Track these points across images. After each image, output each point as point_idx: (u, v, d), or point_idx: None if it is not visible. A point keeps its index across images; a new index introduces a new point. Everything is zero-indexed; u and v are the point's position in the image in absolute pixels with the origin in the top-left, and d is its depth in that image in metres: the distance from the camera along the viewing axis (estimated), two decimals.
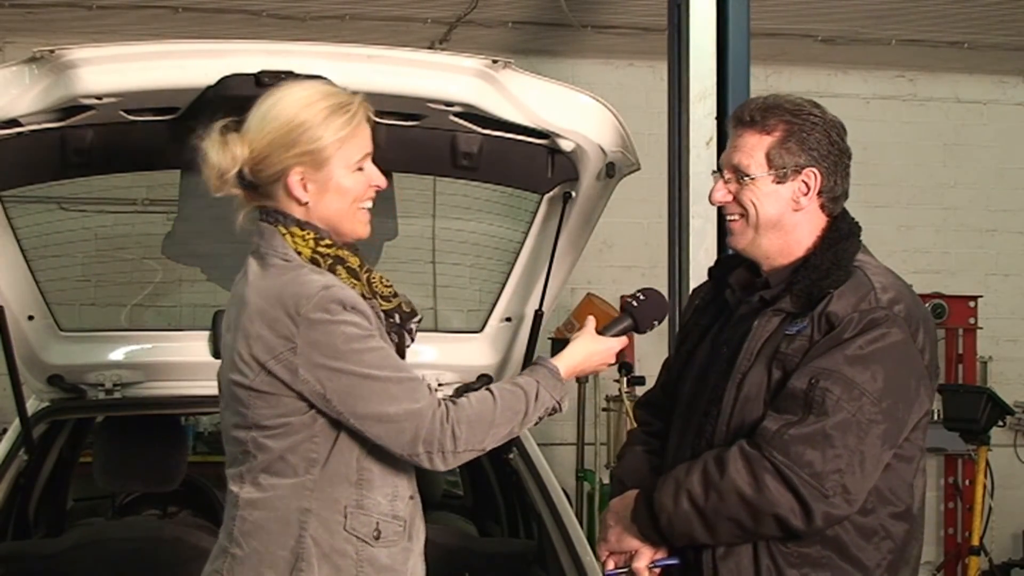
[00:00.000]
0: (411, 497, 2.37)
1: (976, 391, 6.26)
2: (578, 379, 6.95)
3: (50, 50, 2.80)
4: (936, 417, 5.96)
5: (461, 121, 3.13)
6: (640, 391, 5.92)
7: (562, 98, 3.16)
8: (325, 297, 2.19)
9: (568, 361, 2.43)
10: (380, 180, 2.34)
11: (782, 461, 2.23)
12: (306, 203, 2.28)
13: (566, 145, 3.20)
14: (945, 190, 8.59)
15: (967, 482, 7.73)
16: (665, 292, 4.22)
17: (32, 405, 3.75)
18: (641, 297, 2.54)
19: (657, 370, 2.79)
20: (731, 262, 2.62)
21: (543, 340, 3.83)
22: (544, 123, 3.13)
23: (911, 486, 2.39)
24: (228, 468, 2.35)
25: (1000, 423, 6.05)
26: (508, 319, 3.78)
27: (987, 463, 6.22)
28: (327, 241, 2.29)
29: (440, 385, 3.75)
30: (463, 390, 3.52)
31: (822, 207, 2.44)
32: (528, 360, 3.70)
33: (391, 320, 2.34)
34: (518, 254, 3.67)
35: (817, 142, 2.40)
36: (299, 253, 2.27)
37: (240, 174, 2.27)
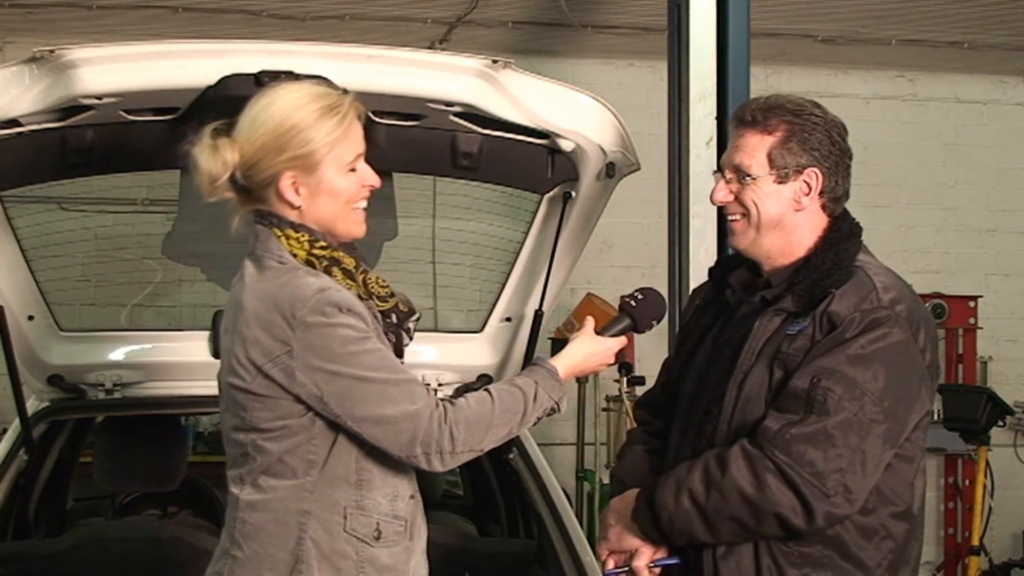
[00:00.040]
0: (412, 497, 2.36)
1: (976, 391, 6.26)
2: (578, 379, 6.97)
3: (50, 50, 2.80)
4: (936, 417, 5.96)
5: (461, 121, 3.13)
6: (640, 391, 5.92)
7: (562, 98, 3.16)
8: (321, 300, 2.19)
9: (567, 362, 2.42)
10: (374, 180, 2.33)
11: (784, 460, 2.23)
12: (299, 207, 2.28)
13: (566, 145, 3.20)
14: (945, 190, 8.59)
15: (967, 482, 7.73)
16: (665, 292, 4.22)
17: (32, 405, 3.75)
18: (640, 297, 2.54)
19: (657, 370, 2.79)
20: (731, 262, 2.62)
21: (543, 340, 3.83)
22: (544, 123, 3.13)
23: (912, 486, 2.39)
24: (229, 470, 2.35)
25: (1000, 423, 6.05)
26: (508, 319, 3.78)
27: (987, 463, 6.22)
28: (322, 243, 2.29)
29: (440, 385, 3.75)
30: (463, 390, 3.52)
31: (823, 207, 2.44)
32: (528, 360, 3.70)
33: (388, 320, 2.34)
34: (518, 254, 3.67)
35: (819, 142, 2.40)
36: (294, 255, 2.26)
37: (232, 178, 2.26)
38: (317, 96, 2.27)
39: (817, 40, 7.76)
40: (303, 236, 2.28)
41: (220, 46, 2.96)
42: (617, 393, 6.84)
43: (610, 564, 2.50)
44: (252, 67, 2.80)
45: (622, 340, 2.52)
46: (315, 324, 2.18)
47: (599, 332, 2.49)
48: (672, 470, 2.39)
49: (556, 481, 3.85)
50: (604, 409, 7.28)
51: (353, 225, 2.33)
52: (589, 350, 2.46)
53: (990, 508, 6.64)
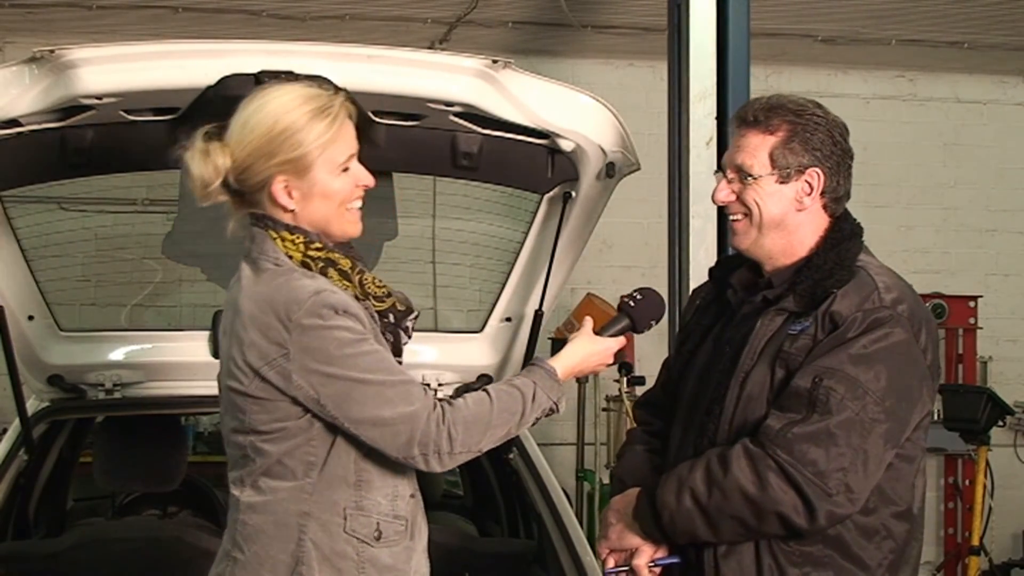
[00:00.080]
0: (412, 496, 2.36)
1: (976, 391, 6.26)
2: (578, 379, 6.97)
3: (50, 50, 2.80)
4: (936, 417, 5.95)
5: (461, 121, 3.13)
6: (640, 391, 5.92)
7: (562, 98, 3.16)
8: (317, 302, 2.18)
9: (566, 362, 2.42)
10: (367, 179, 2.32)
11: (786, 459, 2.23)
12: (292, 209, 2.27)
13: (566, 145, 3.20)
14: (945, 190, 8.59)
15: (967, 482, 7.73)
16: (665, 292, 4.22)
17: (32, 405, 3.76)
18: (638, 297, 2.54)
19: (657, 370, 2.79)
20: (732, 262, 2.62)
21: (543, 340, 3.83)
22: (544, 123, 3.13)
23: (912, 486, 2.39)
24: (229, 471, 2.35)
25: (1000, 423, 6.05)
26: (508, 319, 3.78)
27: (987, 463, 6.22)
28: (317, 244, 2.28)
29: (440, 385, 3.75)
30: (463, 390, 3.52)
31: (825, 207, 2.44)
32: (528, 360, 3.70)
33: (386, 320, 2.33)
34: (518, 254, 3.67)
35: (820, 142, 2.40)
36: (290, 257, 2.26)
37: (226, 183, 2.26)
38: (307, 98, 2.26)
39: (817, 40, 7.76)
40: (298, 238, 2.27)
41: (220, 46, 2.96)
42: (617, 393, 6.84)
43: (610, 563, 2.50)
44: (252, 67, 2.80)
45: (621, 340, 2.52)
46: (311, 326, 2.18)
47: (598, 332, 2.49)
48: (673, 469, 2.39)
49: (556, 481, 3.85)
50: (604, 409, 7.27)
51: (348, 225, 2.32)
52: (588, 350, 2.46)
53: (990, 508, 6.64)
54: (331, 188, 2.27)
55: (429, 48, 7.18)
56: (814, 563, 2.31)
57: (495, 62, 2.97)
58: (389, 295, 2.36)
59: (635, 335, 2.62)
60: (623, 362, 6.59)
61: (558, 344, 2.52)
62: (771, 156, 2.40)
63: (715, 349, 2.51)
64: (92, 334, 3.75)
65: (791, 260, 2.44)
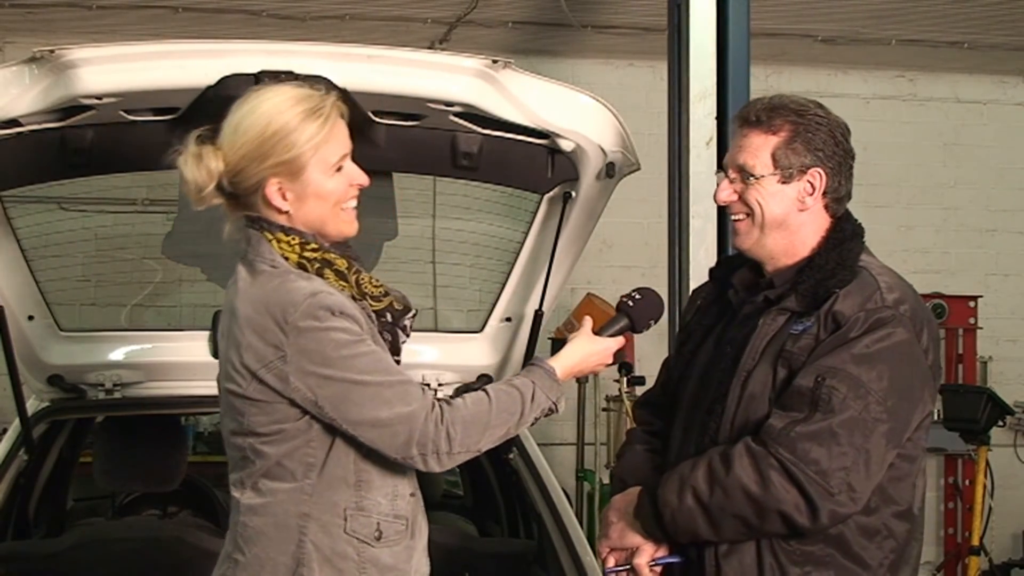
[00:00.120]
0: (412, 495, 2.36)
1: (976, 391, 6.26)
2: (578, 379, 6.97)
3: (50, 50, 2.80)
4: (936, 417, 5.95)
5: (461, 121, 3.13)
6: (640, 391, 5.92)
7: (562, 98, 3.16)
8: (313, 304, 2.18)
9: (565, 362, 2.42)
10: (361, 178, 2.32)
11: (788, 458, 2.23)
12: (287, 211, 2.27)
13: (566, 145, 3.20)
14: (945, 190, 8.59)
15: (967, 482, 7.73)
16: (665, 292, 4.22)
17: (32, 405, 3.76)
18: (637, 296, 2.54)
19: (657, 370, 2.79)
20: (732, 262, 2.62)
21: (543, 340, 3.83)
22: (544, 123, 3.13)
23: (913, 486, 2.39)
24: (230, 473, 2.35)
25: (1000, 423, 6.05)
26: (508, 319, 3.78)
27: (987, 463, 6.22)
28: (313, 245, 2.28)
29: (440, 385, 3.75)
30: (463, 390, 3.52)
31: (826, 207, 2.44)
32: (528, 360, 3.69)
33: (383, 320, 2.33)
34: (518, 254, 3.67)
35: (823, 142, 2.40)
36: (286, 259, 2.26)
37: (220, 186, 2.26)
38: (299, 99, 2.25)
39: (817, 40, 7.76)
40: (294, 239, 2.27)
41: (220, 46, 2.96)
42: (617, 393, 6.84)
43: (611, 562, 2.50)
44: (252, 67, 2.80)
45: (620, 340, 2.52)
46: (307, 328, 2.17)
47: (597, 332, 2.49)
48: (675, 468, 2.39)
49: (556, 481, 3.85)
50: (604, 409, 7.27)
51: (344, 225, 2.32)
52: (587, 350, 2.46)
53: (990, 508, 6.64)
54: (325, 188, 2.27)
55: (429, 48, 7.18)
56: (815, 562, 2.31)
57: (495, 62, 2.97)
58: (386, 294, 2.35)
59: (635, 335, 2.62)
60: (623, 362, 6.58)
61: (558, 344, 2.53)
62: (773, 156, 2.40)
63: (716, 349, 2.51)
64: (92, 334, 3.75)
65: (793, 260, 2.44)
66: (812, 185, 2.41)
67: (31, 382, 3.70)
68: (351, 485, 2.27)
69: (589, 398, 7.25)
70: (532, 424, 2.36)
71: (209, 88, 2.83)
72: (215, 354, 3.45)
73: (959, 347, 7.97)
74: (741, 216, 2.46)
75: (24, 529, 4.00)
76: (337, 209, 2.30)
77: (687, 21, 4.27)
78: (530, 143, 3.23)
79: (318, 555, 2.24)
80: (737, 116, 2.48)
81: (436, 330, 4.17)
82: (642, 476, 2.54)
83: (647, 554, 2.44)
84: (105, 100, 2.89)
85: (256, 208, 2.28)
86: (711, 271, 2.70)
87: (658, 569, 2.45)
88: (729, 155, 2.49)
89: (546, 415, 2.36)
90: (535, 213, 3.56)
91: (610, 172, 3.26)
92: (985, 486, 6.22)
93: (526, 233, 3.62)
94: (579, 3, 6.87)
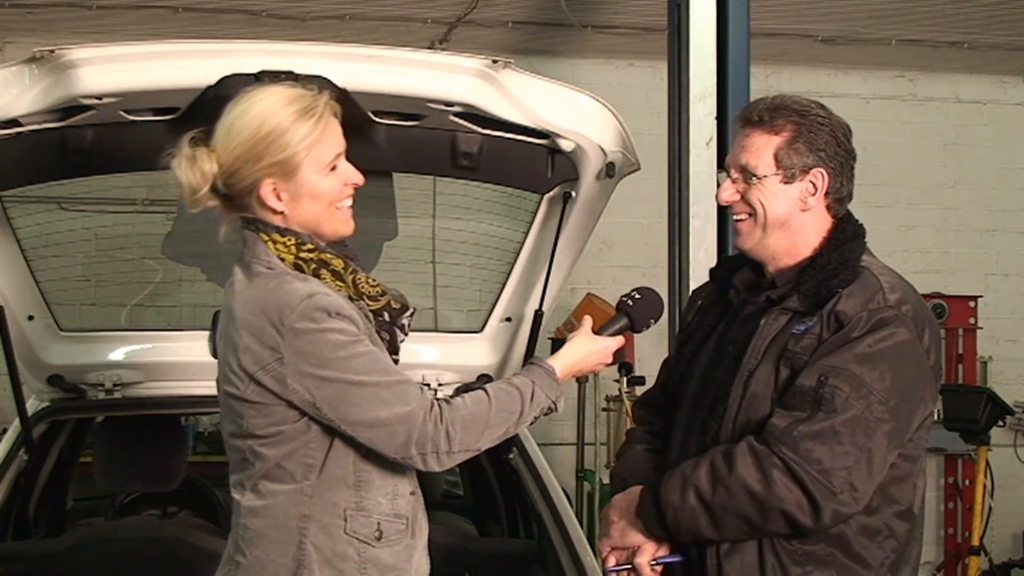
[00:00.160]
0: (412, 493, 2.36)
1: (976, 391, 6.26)
2: (578, 379, 6.97)
3: (50, 50, 2.80)
4: (936, 417, 5.94)
5: (461, 121, 3.13)
6: (640, 391, 5.92)
7: (562, 98, 3.16)
8: (309, 306, 2.18)
9: (564, 361, 2.42)
10: (356, 177, 2.31)
11: (791, 457, 2.23)
12: (282, 212, 2.27)
13: (566, 145, 3.20)
14: (945, 190, 8.59)
15: (967, 482, 7.73)
16: (665, 292, 4.23)
17: (32, 405, 3.76)
18: (637, 296, 2.54)
19: (657, 370, 2.79)
20: (733, 263, 2.62)
21: (543, 340, 3.83)
22: (544, 123, 3.13)
23: (914, 486, 2.40)
24: (231, 475, 2.35)
25: (1000, 423, 6.05)
26: (508, 319, 3.78)
27: (987, 463, 6.23)
28: (309, 245, 2.28)
29: (440, 385, 3.75)
30: (463, 390, 3.52)
31: (828, 208, 2.44)
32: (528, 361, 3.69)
33: (380, 319, 2.33)
34: (518, 254, 3.67)
35: (825, 143, 2.41)
36: (282, 260, 2.25)
37: (214, 188, 2.25)
38: (291, 99, 2.25)
39: (817, 40, 7.76)
40: (289, 240, 2.27)
41: (220, 46, 2.96)
42: (617, 393, 6.84)
43: (611, 561, 2.50)
44: (252, 67, 2.80)
45: (620, 339, 2.52)
46: (304, 330, 2.17)
47: (597, 331, 2.49)
48: (677, 466, 2.39)
49: (556, 481, 3.84)
50: (604, 409, 7.27)
51: (339, 224, 2.32)
52: (587, 349, 2.46)
53: (990, 508, 6.64)
54: (319, 188, 2.27)
55: (429, 48, 7.18)
56: (816, 562, 2.31)
57: (495, 62, 2.97)
58: (383, 294, 2.35)
59: (635, 335, 2.62)
60: (623, 362, 6.58)
61: (558, 344, 2.53)
62: (776, 156, 2.40)
63: (718, 349, 2.51)
64: (92, 334, 3.75)
65: (794, 260, 2.44)
66: (814, 185, 2.41)
67: (31, 382, 3.70)
68: (351, 486, 2.27)
69: (589, 398, 7.25)
70: (532, 423, 2.36)
71: (209, 88, 2.83)
72: (215, 354, 3.46)
73: (959, 347, 7.97)
74: (743, 216, 2.46)
75: (24, 529, 4.00)
76: (332, 208, 2.29)
77: (687, 21, 4.28)
78: (530, 143, 3.23)
79: (318, 556, 2.24)
80: (739, 116, 2.48)
81: (436, 330, 4.17)
82: (643, 475, 2.54)
83: (648, 553, 2.44)
84: (105, 100, 2.89)
85: (251, 209, 2.28)
86: (711, 271, 2.70)
87: (659, 568, 2.45)
88: (731, 155, 2.49)
89: (546, 414, 2.35)
90: (535, 213, 3.56)
91: (610, 172, 3.26)
92: (985, 486, 6.22)
93: (526, 233, 3.62)
94: (579, 3, 6.87)
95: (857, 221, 2.49)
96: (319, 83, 2.48)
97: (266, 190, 2.25)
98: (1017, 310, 8.63)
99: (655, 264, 6.16)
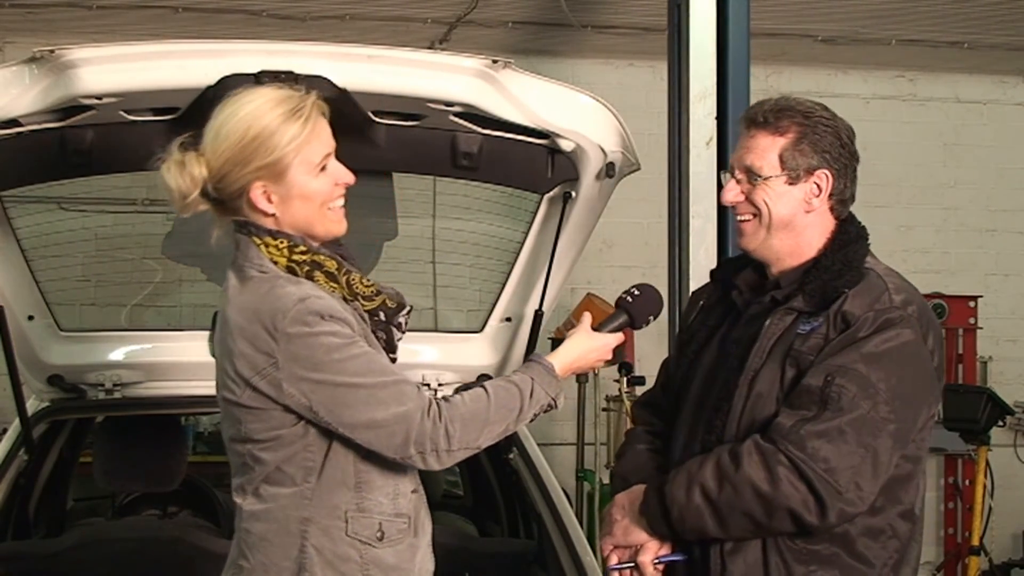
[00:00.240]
0: (414, 491, 2.36)
1: (976, 391, 6.26)
2: (578, 379, 6.97)
3: (50, 50, 2.80)
4: (936, 417, 5.95)
5: (461, 121, 3.13)
6: (640, 391, 5.92)
7: (562, 98, 3.16)
8: (302, 310, 2.17)
9: (564, 358, 2.42)
10: (346, 177, 2.30)
11: (797, 456, 2.23)
12: (273, 214, 2.26)
13: (566, 145, 3.20)
14: (945, 190, 8.59)
15: (967, 482, 7.73)
16: (665, 292, 4.22)
17: (32, 405, 3.76)
18: (636, 293, 2.54)
19: (656, 370, 2.79)
20: (734, 264, 2.63)
21: (543, 340, 3.83)
22: (544, 123, 3.12)
23: (916, 486, 2.40)
24: (232, 479, 2.35)
25: (1000, 423, 6.05)
26: (508, 319, 3.78)
27: (987, 463, 6.23)
28: (301, 248, 2.27)
29: (440, 385, 3.75)
30: (462, 390, 3.52)
31: (831, 209, 2.45)
32: None
33: (376, 319, 2.32)
34: (518, 254, 3.67)
35: (829, 144, 2.41)
36: (275, 263, 2.25)
37: (204, 192, 2.25)
38: (278, 101, 2.24)
39: (817, 40, 7.76)
40: (282, 243, 2.26)
41: (220, 46, 2.96)
42: (617, 393, 6.83)
43: (613, 559, 2.49)
44: (252, 67, 2.79)
45: (619, 336, 2.52)
46: (297, 334, 2.17)
47: (596, 328, 2.49)
48: (682, 464, 2.39)
49: (556, 481, 3.84)
50: (604, 409, 7.27)
51: (331, 224, 2.31)
52: (586, 346, 2.46)
53: (990, 508, 6.64)
54: (310, 189, 2.26)
55: (429, 48, 7.18)
56: (820, 561, 2.31)
57: (495, 62, 2.97)
58: (378, 293, 2.34)
59: (635, 335, 2.62)
60: (623, 362, 6.58)
61: (558, 344, 2.52)
62: (780, 157, 2.41)
63: (721, 349, 2.52)
64: (92, 334, 3.75)
65: (798, 261, 2.44)
66: (818, 186, 2.42)
67: (31, 382, 3.70)
68: (351, 487, 2.27)
69: (589, 398, 7.25)
70: (531, 421, 2.36)
71: (209, 88, 2.82)
72: (215, 355, 3.46)
73: (959, 347, 7.97)
74: (747, 217, 2.46)
75: (24, 529, 4.00)
76: (324, 209, 2.29)
77: (687, 21, 4.28)
78: (530, 143, 3.23)
79: (320, 559, 2.24)
80: (744, 117, 2.49)
81: (436, 330, 4.17)
82: (645, 475, 2.54)
83: (651, 552, 2.43)
84: (105, 100, 2.89)
85: (242, 212, 2.27)
86: (712, 273, 2.70)
87: (662, 567, 2.45)
88: (735, 156, 2.49)
89: (545, 411, 2.35)
90: (535, 213, 3.56)
91: (610, 172, 3.26)
92: (985, 486, 6.22)
93: (526, 233, 3.62)
94: (579, 3, 6.87)
95: (859, 223, 2.49)
96: (319, 83, 2.47)
97: (256, 193, 2.24)
98: (1017, 310, 8.63)
99: (655, 264, 6.14)
